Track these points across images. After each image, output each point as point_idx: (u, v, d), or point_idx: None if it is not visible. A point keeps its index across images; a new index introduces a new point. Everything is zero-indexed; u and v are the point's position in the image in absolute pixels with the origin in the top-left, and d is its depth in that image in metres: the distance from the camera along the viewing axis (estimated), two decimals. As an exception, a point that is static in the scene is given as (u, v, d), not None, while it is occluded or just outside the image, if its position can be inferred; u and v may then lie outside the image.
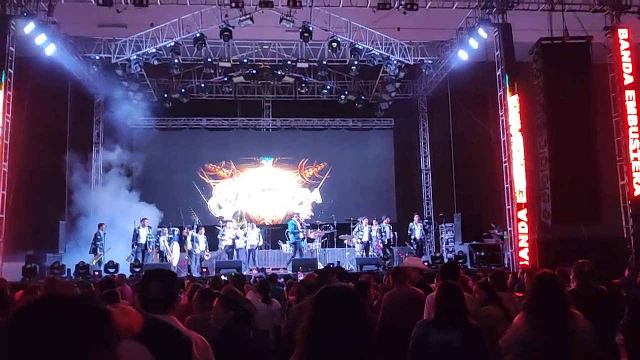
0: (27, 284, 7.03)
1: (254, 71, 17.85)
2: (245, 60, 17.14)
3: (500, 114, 14.19)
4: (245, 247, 15.83)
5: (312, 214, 19.52)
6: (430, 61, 16.81)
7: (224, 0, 13.50)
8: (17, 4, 13.00)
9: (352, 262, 15.64)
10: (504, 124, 14.01)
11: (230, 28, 14.33)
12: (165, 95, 18.74)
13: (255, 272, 13.98)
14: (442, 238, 17.32)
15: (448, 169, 18.39)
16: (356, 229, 16.27)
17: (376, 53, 16.05)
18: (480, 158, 16.53)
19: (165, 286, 2.78)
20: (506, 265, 13.88)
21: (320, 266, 14.68)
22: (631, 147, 13.88)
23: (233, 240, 15.89)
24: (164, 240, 15.50)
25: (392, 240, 16.12)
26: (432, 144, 20.34)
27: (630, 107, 13.95)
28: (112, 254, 14.91)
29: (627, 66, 14.06)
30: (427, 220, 18.12)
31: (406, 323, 4.04)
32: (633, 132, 13.90)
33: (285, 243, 16.64)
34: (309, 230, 16.52)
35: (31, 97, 13.85)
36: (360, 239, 16.06)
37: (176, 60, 16.26)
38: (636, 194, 13.72)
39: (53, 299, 1.32)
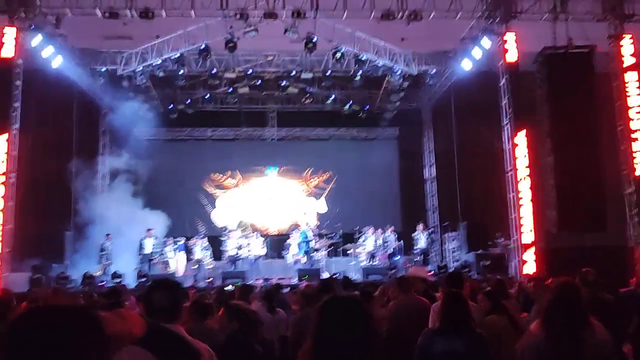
0: (31, 294, 7.06)
1: (259, 82, 17.94)
2: (250, 71, 17.23)
3: (504, 123, 14.19)
4: (249, 256, 15.83)
5: (317, 224, 19.52)
6: (434, 71, 16.86)
7: (228, 12, 13.60)
8: (26, 17, 13.14)
9: (358, 272, 15.60)
10: (508, 132, 14.01)
11: (235, 39, 14.43)
12: (171, 107, 18.86)
13: (260, 281, 13.98)
14: (446, 247, 17.27)
15: (452, 177, 18.38)
16: (362, 239, 16.25)
17: (380, 63, 16.12)
18: (485, 167, 16.51)
19: (170, 296, 2.80)
20: (512, 275, 13.81)
21: (326, 276, 14.66)
22: (636, 154, 13.85)
23: (237, 249, 15.89)
24: (169, 251, 15.52)
25: (397, 249, 16.09)
26: (436, 153, 20.34)
27: (634, 115, 13.94)
28: (118, 264, 14.95)
29: (630, 75, 14.06)
30: (432, 229, 18.08)
31: (412, 332, 4.05)
32: (637, 141, 13.87)
33: (289, 253, 16.58)
34: (314, 240, 16.52)
35: (38, 109, 13.97)
36: (365, 249, 16.04)
37: (181, 72, 16.39)
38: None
39: (46, 307, 1.36)
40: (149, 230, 15.53)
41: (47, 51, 13.78)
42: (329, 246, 16.64)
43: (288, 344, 5.20)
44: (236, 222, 19.01)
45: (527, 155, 13.67)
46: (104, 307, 4.01)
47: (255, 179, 20.14)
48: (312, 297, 4.97)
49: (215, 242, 16.37)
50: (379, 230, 16.28)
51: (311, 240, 15.97)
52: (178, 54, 15.35)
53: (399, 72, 16.33)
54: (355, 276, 15.18)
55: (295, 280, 14.15)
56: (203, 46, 14.94)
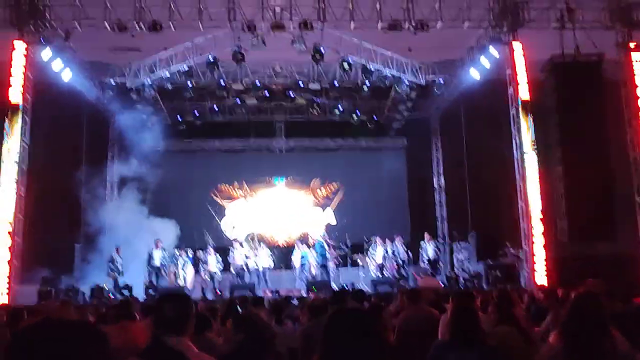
0: (39, 308, 7.08)
1: (267, 93, 18.02)
2: (257, 83, 17.32)
3: (513, 132, 14.12)
4: (257, 268, 15.79)
5: (325, 234, 19.45)
6: (442, 80, 16.85)
7: (236, 24, 13.69)
8: (35, 31, 13.29)
9: (367, 283, 15.52)
10: (517, 142, 13.94)
11: (243, 51, 14.52)
12: (179, 118, 18.97)
13: (269, 293, 13.93)
14: (456, 257, 17.14)
15: (462, 187, 18.30)
16: (370, 249, 16.18)
17: (387, 73, 16.14)
18: (495, 176, 16.42)
19: (179, 309, 2.78)
20: (523, 285, 13.68)
21: (335, 287, 14.60)
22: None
23: (244, 261, 15.85)
24: (181, 262, 15.51)
25: (406, 260, 16.00)
26: (445, 163, 20.27)
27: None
28: (127, 276, 14.97)
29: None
30: (441, 239, 17.98)
31: (422, 343, 3.99)
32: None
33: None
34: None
35: (48, 122, 14.08)
36: (374, 259, 15.97)
37: (190, 84, 16.50)
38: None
39: (51, 320, 1.36)
40: (157, 241, 15.55)
41: (57, 64, 13.91)
42: (338, 257, 16.57)
43: (297, 356, 5.16)
44: (244, 233, 18.98)
45: (536, 164, 13.58)
46: (114, 319, 4.00)
47: (263, 189, 20.15)
48: (319, 309, 4.92)
49: (224, 253, 16.35)
50: (387, 241, 16.20)
51: (328, 252, 15.92)
52: (186, 66, 15.45)
53: (406, 82, 16.34)
54: (365, 287, 15.12)
55: (304, 292, 14.10)
56: (211, 58, 15.05)
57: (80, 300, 13.49)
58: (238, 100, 18.33)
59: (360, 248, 16.78)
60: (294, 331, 5.64)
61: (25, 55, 13.02)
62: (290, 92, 17.86)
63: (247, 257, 15.90)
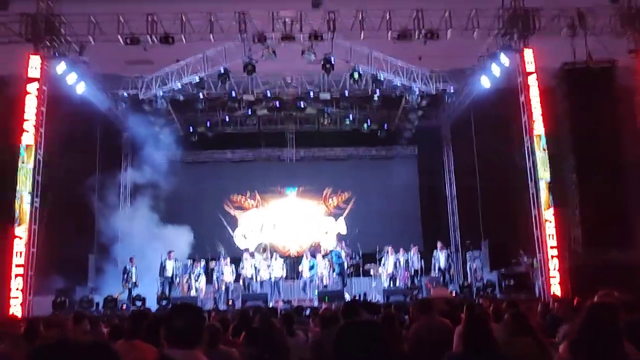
0: (53, 320, 7.14)
1: (277, 103, 18.12)
2: (268, 93, 17.43)
3: (525, 139, 14.04)
4: (270, 278, 15.78)
5: (337, 244, 19.43)
6: (452, 89, 16.84)
7: (247, 36, 13.82)
8: (50, 46, 13.51)
9: (379, 293, 15.45)
10: (529, 149, 13.85)
11: (254, 62, 14.63)
12: (191, 129, 19.12)
13: (281, 303, 13.92)
14: (469, 266, 17.01)
15: (474, 195, 18.18)
16: (382, 259, 16.12)
17: (398, 83, 16.16)
18: (507, 184, 16.31)
19: (191, 321, 2.79)
20: (537, 294, 13.54)
21: (347, 297, 14.57)
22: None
23: (254, 272, 15.84)
24: (196, 273, 15.54)
25: (420, 269, 15.92)
26: (457, 171, 20.18)
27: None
28: (140, 287, 15.05)
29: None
30: (453, 248, 17.87)
31: (434, 354, 3.97)
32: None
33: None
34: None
35: (62, 134, 14.25)
36: (386, 269, 15.90)
37: (201, 95, 16.65)
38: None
39: (63, 342, 1.39)
40: (170, 252, 15.63)
41: (71, 78, 14.12)
42: (350, 267, 16.53)
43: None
44: (256, 243, 19.02)
45: (549, 171, 13.48)
46: (130, 334, 3.99)
47: (275, 199, 20.20)
48: (330, 320, 4.91)
49: (237, 263, 16.37)
50: (401, 250, 16.14)
51: (344, 262, 15.87)
52: (197, 78, 15.60)
53: (416, 91, 16.34)
54: (377, 297, 15.06)
55: (315, 302, 14.08)
56: (222, 69, 15.17)
57: (93, 311, 13.57)
58: (249, 111, 18.45)
59: (372, 258, 16.71)
60: (306, 342, 5.63)
61: (40, 69, 13.22)
62: (301, 103, 17.94)
63: (256, 268, 15.87)
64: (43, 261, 13.22)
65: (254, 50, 14.42)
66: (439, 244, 16.52)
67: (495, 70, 14.65)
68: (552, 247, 13.13)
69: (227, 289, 15.43)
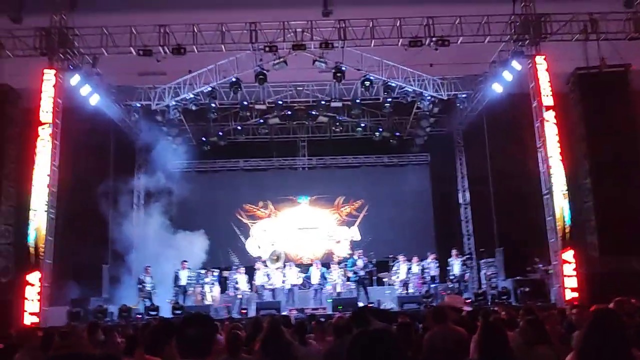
0: (67, 330, 7.19)
1: (289, 112, 18.17)
2: (280, 102, 17.50)
3: (539, 145, 13.93)
4: (284, 286, 15.73)
5: (351, 252, 19.37)
6: (464, 95, 16.78)
7: (258, 46, 13.91)
8: (64, 59, 13.69)
9: (393, 301, 15.34)
10: (543, 155, 13.73)
11: (265, 72, 14.71)
12: (204, 139, 19.22)
13: (294, 312, 13.87)
14: (483, 274, 16.84)
15: (487, 202, 18.05)
16: (394, 267, 16.02)
17: (409, 89, 16.14)
18: (520, 190, 16.17)
19: (202, 332, 2.79)
20: (553, 301, 13.37)
21: (361, 305, 14.46)
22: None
23: (266, 280, 15.81)
24: (209, 282, 15.56)
25: (436, 277, 15.79)
26: (470, 178, 20.06)
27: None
28: (154, 296, 15.09)
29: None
30: (467, 256, 17.71)
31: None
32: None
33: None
34: (348, 269, 16.35)
35: (76, 145, 14.40)
36: (398, 277, 15.79)
37: (213, 105, 16.75)
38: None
39: (75, 357, 1.39)
40: (183, 262, 15.67)
41: (85, 90, 14.28)
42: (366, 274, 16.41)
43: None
44: (269, 252, 19.00)
45: (563, 177, 13.34)
46: (150, 347, 3.97)
47: (288, 208, 20.22)
48: (344, 329, 4.88)
49: (251, 272, 16.36)
50: (415, 258, 16.04)
51: (360, 269, 15.78)
52: (210, 88, 15.71)
53: (428, 97, 16.31)
54: (391, 305, 14.96)
55: (329, 311, 14.01)
56: (234, 79, 15.27)
57: (108, 321, 13.62)
58: (261, 120, 18.52)
59: (385, 265, 16.63)
60: (319, 351, 5.60)
61: (54, 82, 13.40)
62: (313, 111, 17.97)
63: (268, 277, 15.84)
64: (58, 271, 13.33)
65: (265, 59, 14.50)
66: (453, 252, 16.39)
67: (507, 76, 14.58)
68: (567, 254, 12.98)
69: (240, 298, 15.40)
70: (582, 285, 12.71)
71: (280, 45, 13.92)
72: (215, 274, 16.07)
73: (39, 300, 12.35)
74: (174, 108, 16.38)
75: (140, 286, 15.10)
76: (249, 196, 20.15)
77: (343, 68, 14.78)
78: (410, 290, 15.71)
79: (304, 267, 17.89)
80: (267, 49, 13.84)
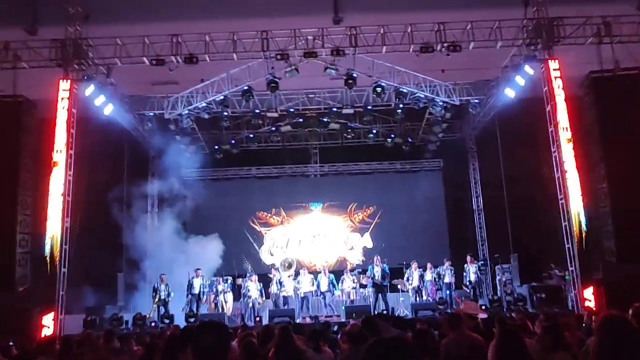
0: (86, 339, 7.23)
1: (301, 119, 18.23)
2: (291, 110, 17.55)
3: (553, 150, 13.80)
4: (298, 294, 15.70)
5: (364, 259, 19.33)
6: (476, 100, 16.70)
7: (269, 54, 13.96)
8: (79, 69, 13.86)
9: (407, 308, 15.25)
10: (557, 160, 13.60)
11: (277, 79, 14.77)
12: (216, 147, 19.32)
13: (308, 320, 13.84)
14: (498, 280, 16.68)
15: (501, 208, 17.92)
16: (406, 274, 15.91)
17: (421, 95, 16.10)
18: (535, 195, 16.03)
19: (217, 339, 2.78)
20: (570, 308, 13.21)
21: (374, 313, 14.39)
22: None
23: (279, 287, 15.78)
24: (221, 290, 15.58)
25: (451, 284, 15.67)
26: (483, 183, 19.93)
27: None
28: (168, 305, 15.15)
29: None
30: (482, 262, 17.56)
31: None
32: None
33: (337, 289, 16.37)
34: (361, 275, 16.30)
35: (91, 155, 14.54)
36: (411, 284, 15.69)
37: (225, 113, 16.84)
38: None
39: None
40: (197, 270, 15.71)
41: (99, 100, 14.43)
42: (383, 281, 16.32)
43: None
44: (281, 259, 18.99)
45: (578, 181, 13.20)
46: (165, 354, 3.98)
47: (300, 215, 20.22)
48: (358, 336, 4.85)
49: (264, 280, 16.36)
50: (428, 265, 15.93)
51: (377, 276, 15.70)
52: (222, 96, 15.80)
53: (440, 103, 16.25)
54: (405, 312, 14.87)
55: (343, 318, 13.95)
56: (246, 87, 15.34)
57: (123, 329, 13.69)
58: (273, 128, 18.57)
59: (398, 272, 16.53)
60: (332, 359, 5.57)
61: (69, 93, 13.56)
62: (324, 118, 18.00)
63: (281, 284, 15.81)
64: (73, 280, 13.43)
65: (277, 67, 14.56)
66: (468, 258, 16.27)
67: (520, 80, 14.49)
68: (584, 260, 12.80)
69: (254, 305, 15.39)
70: (600, 291, 12.53)
71: (291, 53, 13.97)
72: (229, 281, 16.10)
73: (55, 308, 12.44)
74: (187, 117, 16.49)
75: (155, 294, 15.14)
76: (261, 204, 20.20)
77: (354, 75, 14.80)
78: (424, 297, 15.61)
79: (317, 275, 17.87)
80: (278, 56, 13.89)
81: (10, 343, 7.41)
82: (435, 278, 15.83)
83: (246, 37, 13.87)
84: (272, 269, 16.87)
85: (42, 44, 13.71)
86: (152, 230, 18.93)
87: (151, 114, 16.73)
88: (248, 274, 16.29)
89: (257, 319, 14.62)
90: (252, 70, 15.04)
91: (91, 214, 15.10)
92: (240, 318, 15.06)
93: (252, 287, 15.51)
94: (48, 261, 12.76)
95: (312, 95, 17.51)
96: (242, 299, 15.60)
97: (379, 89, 15.55)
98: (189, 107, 16.28)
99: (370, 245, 19.68)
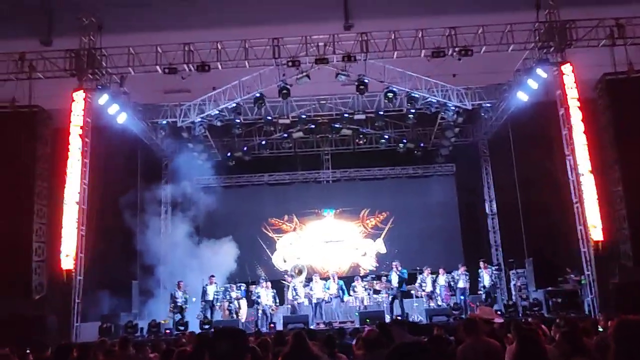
0: (101, 344, 7.30)
1: (313, 126, 18.27)
2: (303, 116, 17.59)
3: (567, 153, 13.68)
4: (312, 300, 15.66)
5: (377, 265, 19.28)
6: (488, 104, 16.61)
7: (281, 61, 14.03)
8: (93, 79, 14.03)
9: (421, 313, 15.16)
10: (572, 163, 13.48)
11: (288, 86, 14.83)
12: (229, 154, 19.40)
13: (322, 326, 13.80)
14: (513, 284, 16.52)
15: (515, 212, 17.76)
16: (419, 280, 15.80)
17: (433, 100, 16.06)
18: (549, 199, 15.87)
19: (235, 345, 2.79)
20: (587, 312, 13.06)
21: (388, 319, 14.32)
22: None
23: (294, 294, 15.76)
24: (234, 297, 15.60)
25: (466, 289, 15.54)
26: (496, 188, 19.81)
27: None
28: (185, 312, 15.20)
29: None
30: (496, 267, 17.41)
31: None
32: None
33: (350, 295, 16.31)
34: (375, 282, 16.22)
35: (105, 163, 14.68)
36: (424, 290, 15.58)
37: (238, 120, 16.92)
38: None
39: None
40: (211, 276, 15.75)
41: (113, 109, 14.57)
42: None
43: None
44: (294, 265, 19.00)
45: (594, 185, 13.08)
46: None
47: (313, 221, 20.22)
48: (374, 342, 4.83)
49: (277, 286, 16.36)
50: (441, 270, 15.84)
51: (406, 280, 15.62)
52: (234, 104, 15.88)
53: (452, 108, 16.20)
54: (419, 318, 14.79)
55: (357, 324, 13.89)
56: (258, 94, 15.42)
57: (138, 336, 13.75)
58: (285, 134, 18.63)
59: (412, 277, 16.44)
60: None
61: (84, 102, 13.72)
62: (336, 124, 18.02)
63: (295, 290, 15.78)
64: (89, 287, 13.53)
65: (288, 74, 14.62)
66: (482, 263, 16.13)
67: (532, 84, 14.40)
68: (600, 264, 12.67)
69: (267, 311, 15.39)
70: (617, 296, 12.37)
71: (302, 59, 14.02)
72: (242, 288, 16.12)
73: (72, 315, 12.55)
74: (199, 124, 16.59)
75: (172, 301, 15.17)
76: (274, 210, 20.23)
77: (366, 80, 14.81)
78: (439, 303, 15.50)
79: (327, 281, 17.84)
80: (289, 63, 13.95)
81: (27, 351, 7.47)
82: (450, 282, 15.69)
83: (257, 44, 13.95)
84: (286, 275, 16.87)
85: (57, 55, 13.91)
86: (166, 237, 19.02)
87: (164, 122, 16.86)
88: (260, 281, 16.30)
89: (272, 325, 14.61)
90: (263, 77, 15.11)
91: (106, 222, 15.22)
92: (254, 324, 15.06)
93: (263, 293, 15.48)
94: (64, 269, 12.88)
95: (324, 102, 17.55)
96: (256, 305, 15.60)
97: (390, 94, 15.54)
98: (202, 115, 16.39)
99: (383, 250, 19.62)
